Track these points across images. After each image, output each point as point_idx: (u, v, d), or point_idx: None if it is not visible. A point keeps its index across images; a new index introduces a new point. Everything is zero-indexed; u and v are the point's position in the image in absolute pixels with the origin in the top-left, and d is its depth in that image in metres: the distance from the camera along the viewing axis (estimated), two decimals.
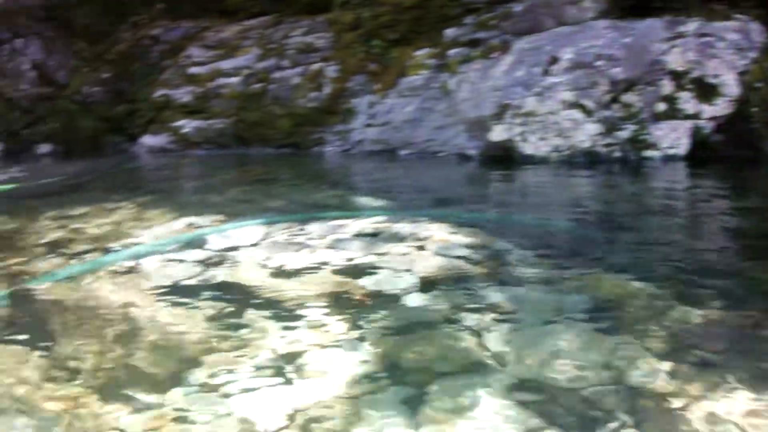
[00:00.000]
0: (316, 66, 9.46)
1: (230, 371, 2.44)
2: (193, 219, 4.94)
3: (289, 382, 2.36)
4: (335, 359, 2.52)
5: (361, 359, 2.50)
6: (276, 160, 8.71)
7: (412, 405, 2.14)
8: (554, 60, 7.67)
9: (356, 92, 8.96)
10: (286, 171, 7.88)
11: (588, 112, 7.20)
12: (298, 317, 2.95)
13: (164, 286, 3.46)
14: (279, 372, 2.43)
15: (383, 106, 8.71)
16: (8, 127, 12.43)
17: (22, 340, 2.81)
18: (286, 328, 2.83)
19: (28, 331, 2.93)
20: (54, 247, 4.35)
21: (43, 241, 4.53)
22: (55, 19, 12.73)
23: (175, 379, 2.39)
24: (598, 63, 7.43)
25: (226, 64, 10.06)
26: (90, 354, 2.64)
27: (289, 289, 3.35)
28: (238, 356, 2.57)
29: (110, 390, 2.33)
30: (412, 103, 8.54)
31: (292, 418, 2.08)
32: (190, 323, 2.93)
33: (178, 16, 11.80)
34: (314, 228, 4.43)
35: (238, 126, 9.52)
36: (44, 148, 11.95)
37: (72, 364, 2.55)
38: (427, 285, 3.30)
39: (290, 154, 8.93)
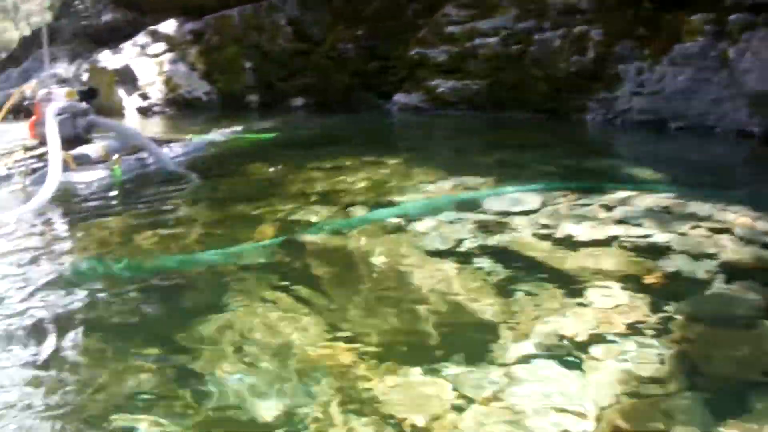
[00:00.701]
0: (579, 29, 8.90)
1: (524, 349, 2.23)
2: (460, 179, 4.77)
3: (580, 369, 2.11)
4: (632, 348, 2.22)
5: (660, 352, 2.19)
6: (534, 125, 8.38)
7: (719, 414, 1.81)
8: None
9: (623, 58, 8.31)
10: (548, 137, 7.53)
11: None
12: (589, 294, 2.67)
13: (439, 249, 3.27)
14: (568, 356, 2.19)
15: (653, 74, 8.01)
16: (264, 79, 13.15)
17: (294, 291, 2.78)
18: (577, 304, 2.58)
19: (300, 281, 2.90)
20: (321, 197, 4.38)
21: (310, 191, 4.62)
22: None
23: (466, 353, 2.20)
24: None
25: (483, 24, 9.81)
26: (366, 317, 2.53)
27: (576, 262, 3.08)
28: (526, 332, 2.34)
29: (386, 357, 2.20)
30: (686, 72, 7.78)
31: (598, 418, 1.81)
32: (472, 291, 2.73)
33: None
34: (597, 199, 4.07)
35: (494, 88, 9.28)
36: (298, 101, 12.50)
37: (345, 326, 2.45)
38: (736, 273, 2.87)
39: (547, 120, 8.52)
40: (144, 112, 14.18)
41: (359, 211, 3.98)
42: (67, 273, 3.05)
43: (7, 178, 5.46)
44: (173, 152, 6.22)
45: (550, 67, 8.86)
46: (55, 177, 4.59)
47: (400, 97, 10.32)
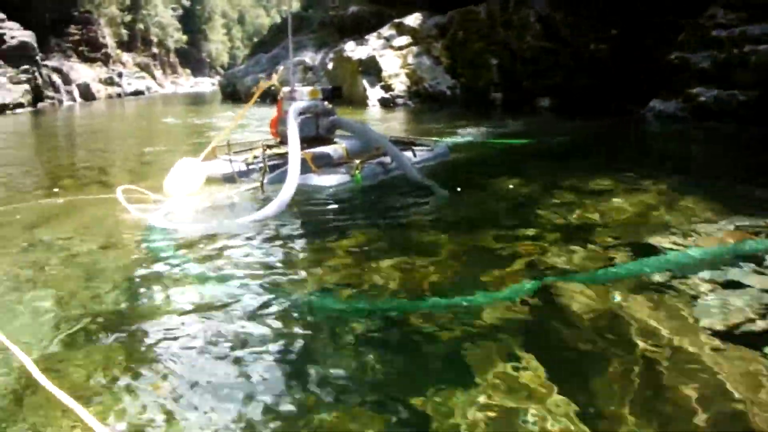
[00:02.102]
0: None
1: None
2: (743, 218, 3.83)
3: None
4: None
5: None
6: None
7: None
8: None
9: None
10: None
11: None
12: None
13: (721, 328, 2.45)
14: None
15: None
16: (510, 77, 13.05)
17: (538, 363, 2.23)
18: None
19: (546, 348, 2.36)
20: (576, 231, 3.77)
21: (563, 220, 3.99)
22: None
23: None
24: None
25: (755, 29, 8.99)
26: (632, 415, 1.95)
27: None
28: None
29: None
30: None
31: None
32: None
33: None
34: None
35: (766, 100, 8.45)
36: (544, 101, 12.28)
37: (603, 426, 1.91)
38: None
39: None
40: (386, 103, 14.64)
41: (620, 255, 3.28)
42: (296, 303, 2.76)
43: (247, 174, 5.41)
44: (417, 157, 5.88)
45: None
46: (292, 182, 4.42)
47: (656, 104, 9.79)
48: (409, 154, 5.78)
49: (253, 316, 2.59)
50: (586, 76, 11.57)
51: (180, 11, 63.70)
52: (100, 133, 14.06)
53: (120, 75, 39.37)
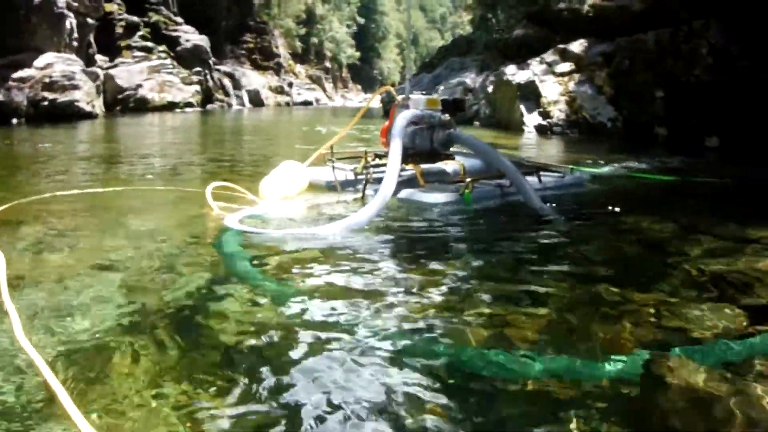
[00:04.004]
0: None
1: None
2: None
3: None
4: None
5: None
6: None
7: None
8: None
9: None
10: None
11: None
12: None
13: None
14: None
15: None
16: (676, 112, 12.13)
17: None
18: None
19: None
20: (711, 289, 2.97)
21: (699, 274, 3.17)
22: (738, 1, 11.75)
23: None
24: None
25: None
26: None
27: None
28: None
29: None
30: None
31: None
32: None
33: None
34: None
35: None
36: (712, 141, 11.32)
37: None
38: None
39: None
40: (543, 130, 14.15)
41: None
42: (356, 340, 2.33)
43: (353, 184, 5.15)
44: (543, 183, 5.28)
45: None
46: (385, 194, 4.09)
47: None
48: (533, 179, 5.22)
49: (312, 343, 2.30)
50: (763, 114, 10.52)
51: (355, 28, 65.74)
52: (254, 134, 14.59)
53: (290, 85, 41.13)
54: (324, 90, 49.75)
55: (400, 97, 5.50)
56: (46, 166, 7.70)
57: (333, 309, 2.61)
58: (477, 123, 17.35)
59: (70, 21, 19.56)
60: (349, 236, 3.79)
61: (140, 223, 4.23)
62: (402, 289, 2.92)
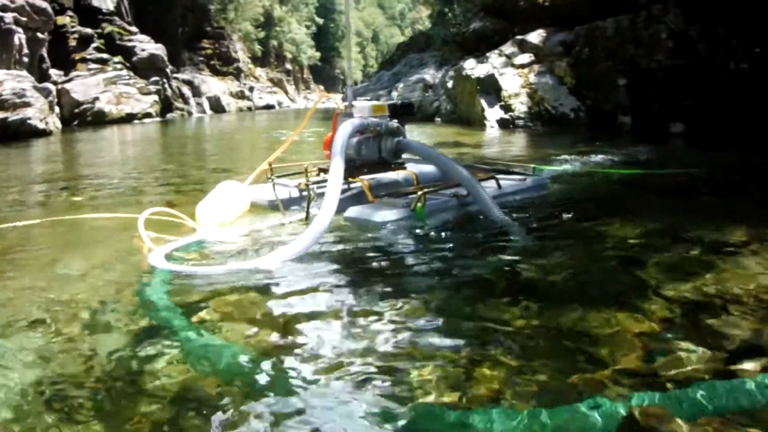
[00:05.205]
0: None
1: None
2: None
3: None
4: None
5: None
6: None
7: None
8: None
9: None
10: None
11: None
12: None
13: None
14: None
15: None
16: (639, 99, 11.92)
17: None
18: None
19: None
20: (693, 309, 2.64)
21: (676, 292, 2.84)
22: None
23: None
24: None
25: None
26: None
27: None
28: None
29: None
30: None
31: None
32: None
33: None
34: None
35: None
36: (676, 127, 11.11)
37: None
38: None
39: None
40: (506, 124, 13.87)
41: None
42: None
43: (297, 201, 4.85)
44: (502, 189, 4.90)
45: None
46: (326, 214, 3.71)
47: None
48: (491, 184, 4.85)
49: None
50: (728, 99, 10.32)
51: (314, 29, 65.28)
52: (213, 142, 14.15)
53: (251, 89, 40.66)
54: (286, 92, 49.31)
55: (342, 105, 5.03)
56: None
57: (268, 362, 2.28)
58: (438, 120, 17.05)
59: (19, 37, 18.98)
60: (286, 269, 3.39)
61: (63, 265, 3.66)
62: (345, 335, 2.54)
